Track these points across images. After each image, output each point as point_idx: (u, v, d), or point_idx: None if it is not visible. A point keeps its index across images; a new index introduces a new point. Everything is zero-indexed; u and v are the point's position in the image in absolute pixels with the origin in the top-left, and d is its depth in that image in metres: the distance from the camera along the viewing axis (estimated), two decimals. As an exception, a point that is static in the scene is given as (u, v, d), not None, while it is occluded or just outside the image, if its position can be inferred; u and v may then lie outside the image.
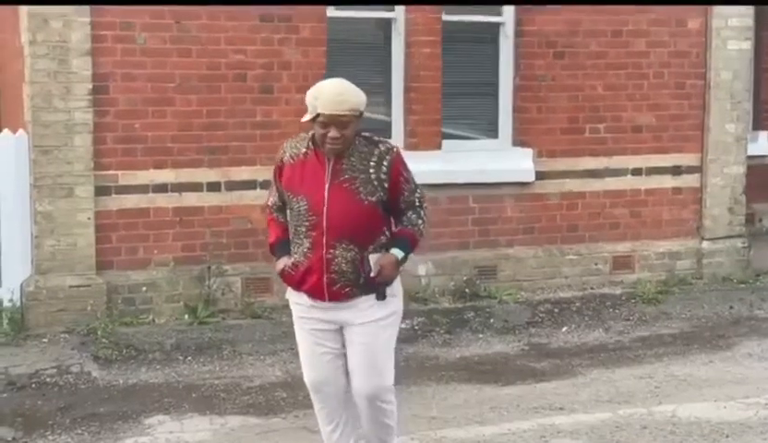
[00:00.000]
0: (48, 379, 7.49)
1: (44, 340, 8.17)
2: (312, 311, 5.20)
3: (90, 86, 8.38)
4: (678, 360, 8.22)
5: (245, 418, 6.86)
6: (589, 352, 8.48)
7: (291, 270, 5.19)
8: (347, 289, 5.08)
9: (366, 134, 5.16)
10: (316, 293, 5.13)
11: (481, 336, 8.85)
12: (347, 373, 5.28)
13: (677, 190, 10.39)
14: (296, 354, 7.57)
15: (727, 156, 10.43)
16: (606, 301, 9.67)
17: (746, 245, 10.62)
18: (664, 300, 9.76)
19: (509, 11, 9.74)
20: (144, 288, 8.62)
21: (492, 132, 9.94)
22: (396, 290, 5.22)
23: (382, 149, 5.10)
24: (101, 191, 8.50)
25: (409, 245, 5.18)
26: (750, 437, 6.44)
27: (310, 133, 5.12)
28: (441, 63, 9.44)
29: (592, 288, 9.93)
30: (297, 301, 5.27)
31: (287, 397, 7.22)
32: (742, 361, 8.22)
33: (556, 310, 9.40)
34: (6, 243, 8.49)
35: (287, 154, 5.19)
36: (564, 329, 9.10)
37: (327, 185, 5.03)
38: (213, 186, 8.83)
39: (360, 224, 5.04)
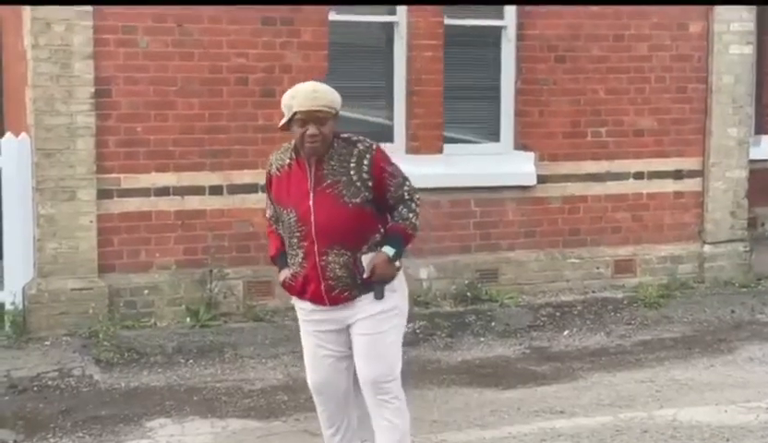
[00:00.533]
0: (50, 382, 7.49)
1: (46, 343, 8.18)
2: (315, 314, 5.22)
3: (93, 89, 8.39)
4: (679, 364, 8.22)
5: (246, 421, 6.86)
6: (590, 355, 8.48)
7: (291, 281, 5.21)
8: (346, 292, 5.09)
9: (345, 135, 5.12)
10: (317, 300, 5.15)
11: (482, 339, 8.85)
12: (350, 376, 5.28)
13: (678, 194, 10.39)
14: (298, 357, 7.59)
15: (729, 160, 10.43)
16: (608, 305, 9.67)
17: (748, 249, 10.61)
18: (665, 304, 9.76)
19: (510, 15, 9.75)
20: (146, 291, 8.63)
21: (494, 136, 9.95)
22: (396, 286, 5.19)
23: (361, 148, 5.06)
24: (103, 194, 8.51)
25: (401, 240, 5.14)
26: (751, 440, 6.44)
27: (293, 143, 5.11)
28: (443, 66, 9.45)
29: (593, 292, 9.93)
30: (300, 306, 5.29)
31: (288, 400, 7.23)
32: (743, 365, 8.22)
33: (557, 314, 9.40)
34: (8, 246, 8.51)
35: (273, 167, 5.20)
36: (565, 332, 9.10)
37: (311, 194, 5.02)
38: (215, 190, 8.84)
39: (348, 228, 5.02)
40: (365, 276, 5.04)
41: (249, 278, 8.91)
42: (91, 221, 8.46)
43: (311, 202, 5.02)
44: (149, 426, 6.73)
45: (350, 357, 5.26)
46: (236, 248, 8.91)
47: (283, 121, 5.04)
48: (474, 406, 7.14)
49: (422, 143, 9.42)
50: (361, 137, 5.15)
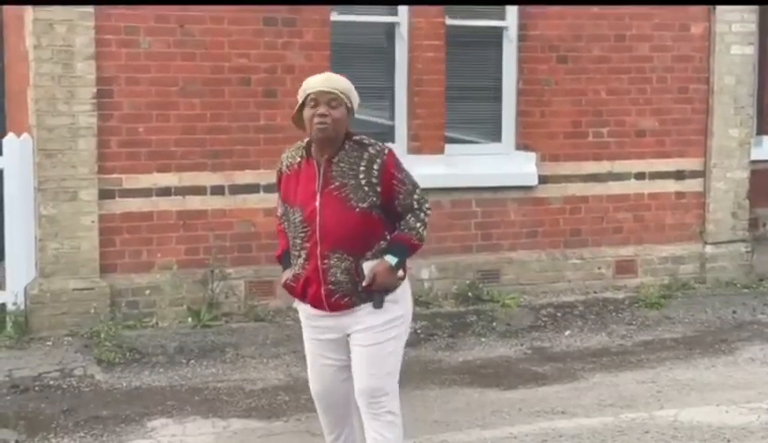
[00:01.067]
0: (51, 382, 7.50)
1: (48, 343, 8.19)
2: (315, 320, 5.13)
3: (95, 90, 8.40)
4: (680, 364, 8.22)
5: (247, 421, 6.87)
6: (591, 356, 8.48)
7: (292, 283, 5.12)
8: (346, 299, 4.98)
9: (357, 137, 5.01)
10: (317, 304, 5.05)
11: (483, 340, 8.86)
12: (351, 385, 5.15)
13: (680, 194, 10.40)
14: (299, 357, 7.63)
15: (731, 161, 10.43)
16: (609, 305, 9.67)
17: (749, 249, 10.62)
18: (666, 304, 9.77)
19: (512, 16, 9.76)
20: (147, 291, 8.64)
21: (495, 136, 9.95)
22: (399, 296, 5.06)
23: (372, 151, 4.96)
24: (104, 195, 8.52)
25: (406, 250, 5.02)
26: (752, 441, 6.44)
27: (305, 141, 5.05)
28: (445, 67, 9.46)
29: (594, 292, 9.93)
30: (302, 308, 5.20)
31: (290, 400, 7.23)
32: (745, 366, 8.22)
33: (558, 314, 9.41)
34: (10, 246, 8.51)
35: (284, 165, 5.14)
36: (567, 333, 9.10)
37: (318, 194, 4.94)
38: (217, 190, 8.85)
39: (354, 233, 4.92)
40: (364, 283, 4.93)
41: (251, 278, 8.92)
42: (93, 222, 8.47)
43: (317, 203, 4.93)
44: (150, 426, 6.74)
45: (350, 366, 5.13)
46: (238, 248, 8.92)
47: (298, 104, 4.95)
48: (475, 406, 7.15)
49: (423, 143, 9.43)
50: (373, 141, 5.05)
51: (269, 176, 8.82)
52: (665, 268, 10.30)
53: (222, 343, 8.34)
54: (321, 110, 4.86)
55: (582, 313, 9.48)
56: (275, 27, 8.90)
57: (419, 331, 8.74)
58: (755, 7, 10.54)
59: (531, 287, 9.79)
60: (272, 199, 8.65)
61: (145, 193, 8.65)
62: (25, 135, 8.49)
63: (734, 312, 9.76)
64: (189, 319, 8.59)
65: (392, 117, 9.54)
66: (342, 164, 4.95)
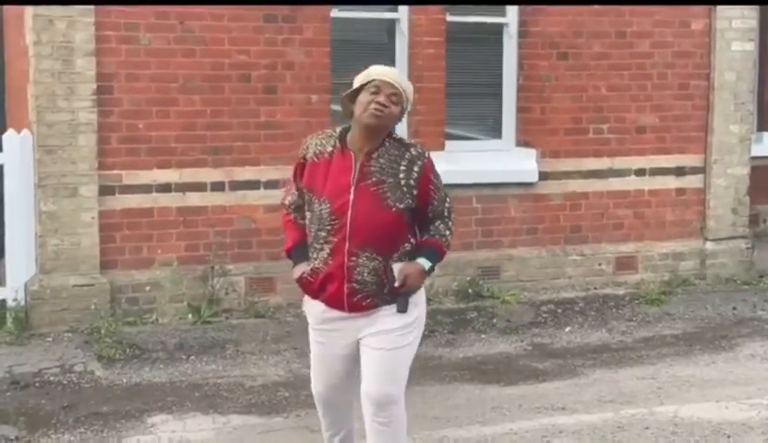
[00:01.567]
0: (51, 378, 7.50)
1: (48, 339, 8.20)
2: (326, 322, 4.96)
3: (94, 86, 8.40)
4: (680, 361, 8.22)
5: (247, 417, 6.87)
6: (592, 352, 8.48)
7: (309, 278, 4.91)
8: (368, 300, 4.83)
9: (398, 136, 4.93)
10: (335, 303, 4.87)
11: (484, 336, 8.86)
12: (356, 386, 5.03)
13: (680, 191, 10.39)
14: (299, 354, 7.64)
15: (731, 157, 10.43)
16: (610, 301, 9.68)
17: (749, 245, 10.62)
18: (667, 301, 9.77)
19: (512, 12, 9.76)
20: (147, 287, 8.64)
21: (495, 132, 9.96)
22: (419, 299, 4.97)
23: (413, 153, 4.85)
24: (104, 191, 8.52)
25: (437, 255, 4.94)
26: (752, 437, 6.44)
27: (338, 130, 4.91)
28: (445, 63, 9.46)
29: (595, 288, 9.93)
30: (313, 310, 5.01)
31: (289, 396, 7.23)
32: (745, 362, 8.23)
33: (559, 310, 9.41)
34: (10, 242, 8.51)
35: (311, 151, 4.91)
36: (567, 329, 9.11)
37: (353, 188, 4.77)
38: (217, 186, 8.85)
39: (386, 233, 4.78)
40: (396, 285, 4.79)
41: (251, 274, 8.92)
42: (93, 218, 8.47)
43: (351, 197, 4.76)
44: (150, 422, 6.74)
45: (357, 368, 5.00)
46: (238, 245, 8.92)
47: (354, 87, 4.82)
48: (475, 402, 7.15)
49: (424, 140, 9.38)
50: (414, 142, 4.98)
51: (269, 173, 8.89)
52: (665, 264, 10.31)
53: (222, 340, 8.34)
54: (381, 99, 4.73)
55: (583, 309, 9.49)
56: (275, 23, 8.89)
57: (419, 328, 8.75)
58: (755, 3, 10.55)
59: (531, 283, 9.79)
60: (272, 196, 8.72)
61: (145, 189, 8.65)
62: (25, 131, 8.49)
63: (734, 308, 9.76)
64: (189, 316, 8.59)
65: (393, 113, 9.52)
66: (381, 160, 4.81)
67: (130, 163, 8.60)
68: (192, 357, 8.11)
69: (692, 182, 10.41)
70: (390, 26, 9.50)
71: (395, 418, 4.97)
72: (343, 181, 4.79)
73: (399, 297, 4.84)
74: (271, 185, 8.86)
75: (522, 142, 9.86)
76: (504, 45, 9.82)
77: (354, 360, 5.00)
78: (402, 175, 4.80)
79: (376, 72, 4.82)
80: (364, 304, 4.84)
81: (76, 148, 8.38)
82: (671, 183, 10.35)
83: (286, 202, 5.12)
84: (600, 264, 10.10)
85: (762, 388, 7.45)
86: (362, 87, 4.80)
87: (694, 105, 10.33)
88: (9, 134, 8.51)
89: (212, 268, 8.70)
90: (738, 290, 10.21)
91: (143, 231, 8.68)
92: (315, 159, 4.88)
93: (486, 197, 9.70)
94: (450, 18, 9.50)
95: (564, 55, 9.84)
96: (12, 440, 6.40)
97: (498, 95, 9.88)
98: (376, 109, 4.73)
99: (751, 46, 10.48)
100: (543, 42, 9.78)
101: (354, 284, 4.81)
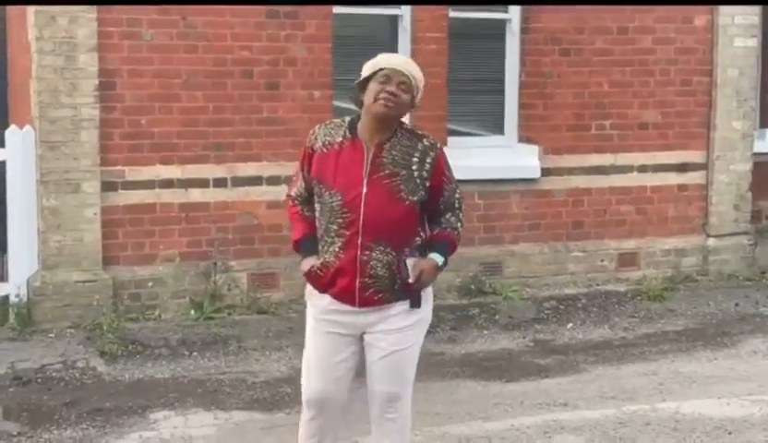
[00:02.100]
0: (54, 374, 7.51)
1: (50, 335, 8.20)
2: (333, 314, 4.78)
3: (97, 82, 8.40)
4: (682, 357, 8.23)
5: (249, 413, 6.88)
6: (594, 348, 8.49)
7: (320, 272, 4.74)
8: (380, 295, 4.70)
9: (409, 126, 4.83)
10: (345, 298, 4.72)
11: (486, 332, 8.86)
12: (350, 388, 4.91)
13: (682, 187, 10.40)
14: (302, 350, 7.59)
15: (733, 153, 10.43)
16: (612, 298, 9.68)
17: (752, 242, 10.62)
18: (669, 297, 9.77)
19: (515, 8, 9.75)
20: (150, 283, 8.65)
21: (498, 129, 9.96)
22: (428, 296, 4.87)
23: (426, 144, 4.72)
24: (107, 187, 8.52)
25: (449, 249, 4.82)
26: (753, 433, 6.45)
27: (347, 120, 4.80)
28: (447, 59, 9.45)
29: (597, 285, 9.94)
30: (319, 302, 4.82)
31: (292, 392, 7.22)
32: (747, 358, 8.23)
33: (561, 307, 9.42)
34: (12, 238, 8.52)
35: (319, 141, 4.75)
36: (569, 325, 9.11)
37: (365, 180, 4.63)
38: (219, 182, 8.85)
39: (400, 225, 4.66)
40: (410, 280, 4.68)
41: (253, 270, 8.93)
42: (95, 214, 8.48)
43: (364, 189, 4.62)
44: (152, 418, 6.74)
45: (358, 364, 4.87)
46: (240, 241, 8.92)
47: (363, 76, 4.69)
48: (477, 398, 7.16)
49: (426, 136, 9.41)
50: (426, 133, 4.85)
51: (271, 169, 8.89)
52: (667, 260, 10.31)
53: (224, 336, 8.34)
54: (391, 88, 4.61)
55: (585, 305, 9.49)
56: (277, 19, 8.89)
57: (421, 324, 8.76)
58: (758, 0, 10.54)
59: (533, 280, 9.79)
60: (275, 192, 8.73)
61: (147, 185, 8.65)
62: (27, 127, 8.50)
63: (736, 304, 9.76)
64: (192, 311, 8.60)
65: (395, 110, 9.51)
66: (393, 152, 4.69)
67: (133, 159, 8.60)
68: (194, 353, 8.12)
69: (695, 178, 10.41)
70: (393, 22, 9.50)
71: (403, 413, 4.92)
72: (355, 173, 4.66)
73: (412, 293, 4.75)
74: (274, 181, 8.87)
75: (525, 138, 9.86)
76: (506, 41, 9.82)
77: (356, 355, 4.88)
78: (414, 167, 4.68)
79: (385, 60, 4.70)
80: (375, 298, 4.71)
81: (78, 144, 8.38)
82: (673, 179, 10.35)
83: (292, 193, 4.95)
84: (602, 260, 10.10)
85: (764, 384, 7.45)
86: (371, 76, 4.69)
87: (696, 102, 10.32)
88: (12, 130, 8.51)
89: (215, 264, 8.71)
90: (740, 286, 10.21)
91: (145, 227, 8.68)
92: (324, 149, 4.74)
93: (489, 193, 9.69)
94: (452, 14, 9.50)
95: (566, 51, 9.83)
96: (14, 436, 6.41)
97: (501, 91, 9.88)
98: (386, 98, 4.61)
99: (754, 42, 10.48)
100: (545, 39, 9.77)
101: (367, 279, 4.68)
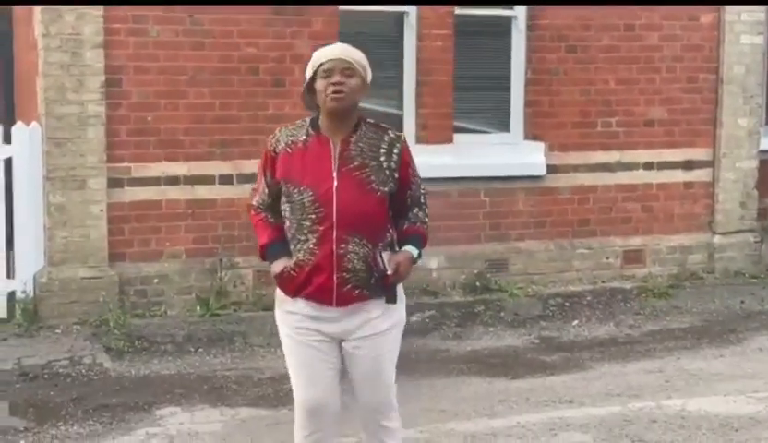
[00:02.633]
0: (60, 370, 7.52)
1: (57, 331, 8.22)
2: (310, 322, 4.68)
3: (103, 78, 8.41)
4: (688, 354, 8.22)
5: (255, 410, 6.89)
6: (599, 345, 8.49)
7: (293, 272, 4.64)
8: (357, 291, 4.61)
9: (372, 120, 4.76)
10: (322, 296, 4.62)
11: (491, 329, 8.86)
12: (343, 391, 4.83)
13: (688, 184, 10.39)
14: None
15: (740, 150, 10.42)
16: (617, 295, 9.68)
17: (758, 239, 10.60)
18: (675, 294, 9.77)
19: (521, 5, 9.74)
20: (156, 280, 8.66)
21: (504, 126, 9.95)
22: (401, 296, 4.80)
23: (392, 135, 4.70)
24: (113, 183, 8.53)
25: (421, 243, 4.75)
26: (759, 430, 6.44)
27: (308, 119, 4.77)
28: (453, 56, 9.45)
29: (603, 282, 9.93)
30: (292, 309, 4.71)
31: (298, 389, 7.24)
32: (753, 355, 8.22)
33: (566, 304, 9.41)
34: (19, 234, 8.53)
35: (282, 143, 4.70)
36: (575, 322, 9.11)
37: (335, 173, 4.58)
38: (225, 179, 8.86)
39: (373, 217, 4.60)
40: (389, 273, 4.59)
41: (259, 267, 8.90)
42: (102, 210, 8.49)
43: (335, 182, 4.56)
44: (158, 414, 6.76)
45: (341, 372, 4.79)
46: (246, 237, 8.90)
47: (307, 77, 4.67)
48: (482, 395, 7.16)
49: (432, 133, 9.43)
50: (389, 126, 4.81)
51: (277, 165, 8.85)
52: (673, 258, 10.30)
53: (230, 332, 8.35)
54: (336, 78, 4.57)
55: (590, 303, 9.49)
56: (284, 16, 8.89)
57: (427, 321, 8.76)
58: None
59: (539, 277, 9.79)
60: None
61: (154, 182, 8.66)
62: (34, 123, 8.51)
63: (742, 302, 9.76)
64: (198, 308, 8.61)
65: (401, 107, 9.53)
66: (360, 144, 4.64)
67: (139, 156, 8.61)
68: (200, 350, 8.13)
69: (701, 175, 10.40)
70: (399, 19, 9.49)
71: (392, 419, 4.87)
72: (324, 167, 4.61)
73: (387, 288, 4.69)
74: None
75: (531, 135, 9.85)
76: (512, 38, 9.81)
77: (338, 358, 4.76)
78: (383, 158, 4.65)
79: (323, 55, 4.67)
80: (354, 294, 4.62)
81: (84, 140, 8.39)
82: (679, 176, 10.34)
83: (254, 202, 4.87)
84: (608, 257, 10.09)
85: (770, 381, 7.46)
86: (314, 75, 4.67)
87: (703, 99, 10.32)
88: (18, 126, 8.53)
89: (220, 260, 8.72)
90: (746, 283, 10.21)
91: (151, 223, 8.69)
92: (287, 149, 4.68)
93: (494, 190, 9.69)
94: (458, 12, 9.49)
95: (572, 49, 9.83)
96: (21, 432, 6.42)
97: (507, 88, 9.87)
98: (335, 91, 4.58)
99: (761, 39, 10.46)
100: (551, 36, 9.77)
101: (345, 273, 4.58)
